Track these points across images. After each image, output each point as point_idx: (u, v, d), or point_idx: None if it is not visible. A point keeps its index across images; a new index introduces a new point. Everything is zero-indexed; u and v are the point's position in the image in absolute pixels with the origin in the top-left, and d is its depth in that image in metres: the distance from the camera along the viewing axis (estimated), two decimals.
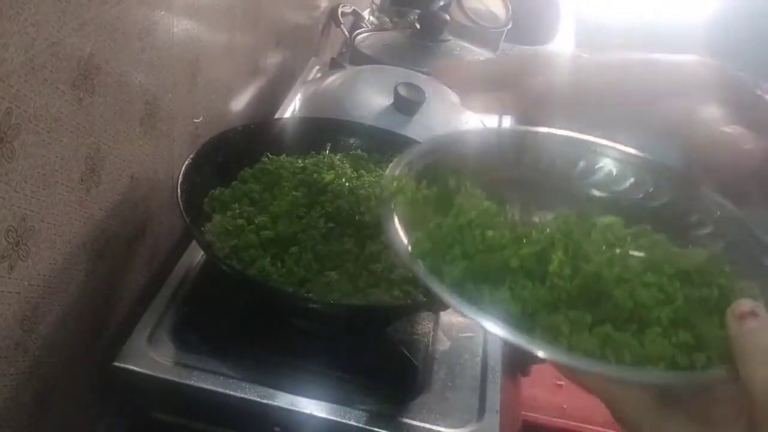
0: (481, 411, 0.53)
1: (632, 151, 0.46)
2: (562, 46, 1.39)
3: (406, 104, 0.74)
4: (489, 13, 1.24)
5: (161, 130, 0.61)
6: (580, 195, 0.45)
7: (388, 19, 1.25)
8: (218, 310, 0.58)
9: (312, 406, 0.51)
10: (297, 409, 0.51)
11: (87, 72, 0.46)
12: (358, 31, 1.06)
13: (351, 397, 0.52)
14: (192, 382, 0.51)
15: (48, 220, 0.45)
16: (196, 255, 0.64)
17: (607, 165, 0.46)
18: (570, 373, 0.33)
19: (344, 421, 0.51)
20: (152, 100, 0.57)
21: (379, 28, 1.18)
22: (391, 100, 0.75)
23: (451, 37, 1.02)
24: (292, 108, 0.88)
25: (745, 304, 0.30)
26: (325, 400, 0.52)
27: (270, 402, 0.51)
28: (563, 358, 0.30)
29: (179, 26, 0.60)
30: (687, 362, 0.31)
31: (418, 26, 1.01)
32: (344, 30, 1.14)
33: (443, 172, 0.43)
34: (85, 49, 0.45)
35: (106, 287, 0.57)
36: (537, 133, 0.48)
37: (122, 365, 0.52)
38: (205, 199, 0.59)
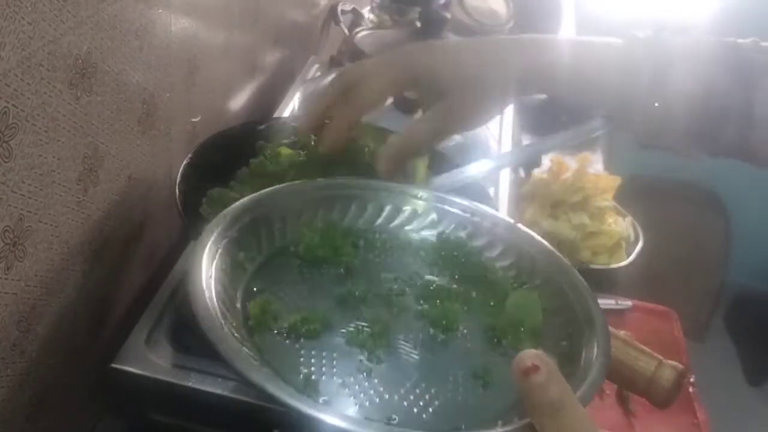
0: None
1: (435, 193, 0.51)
2: None
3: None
4: (490, 11, 1.23)
5: (159, 130, 0.60)
6: (408, 241, 0.49)
7: (388, 17, 1.25)
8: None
9: (311, 408, 0.51)
10: (296, 410, 0.51)
11: (84, 71, 0.45)
12: (357, 29, 1.05)
13: None
14: (190, 384, 0.51)
15: (45, 221, 0.45)
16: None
17: (412, 206, 0.51)
18: None
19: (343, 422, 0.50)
20: (150, 99, 0.57)
21: (379, 26, 1.18)
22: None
23: (451, 36, 1.02)
24: (291, 107, 0.88)
25: (527, 359, 0.31)
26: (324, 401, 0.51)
27: (269, 403, 0.51)
28: None
29: (177, 24, 0.60)
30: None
31: (418, 24, 1.01)
32: (344, 28, 1.13)
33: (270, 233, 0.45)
34: (82, 48, 0.45)
35: (103, 288, 0.57)
36: (348, 182, 0.51)
37: (120, 367, 0.52)
38: (204, 199, 0.58)
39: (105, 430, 0.60)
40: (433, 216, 0.50)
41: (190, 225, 0.55)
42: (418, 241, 0.49)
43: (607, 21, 1.72)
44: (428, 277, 0.46)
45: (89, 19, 0.45)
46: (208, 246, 0.40)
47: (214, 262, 0.39)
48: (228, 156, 0.62)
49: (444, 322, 0.41)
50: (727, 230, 1.95)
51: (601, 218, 0.87)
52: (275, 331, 0.38)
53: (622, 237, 0.87)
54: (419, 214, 0.50)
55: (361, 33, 1.04)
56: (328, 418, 0.31)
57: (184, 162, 0.57)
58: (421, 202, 0.50)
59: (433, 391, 0.36)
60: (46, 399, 0.51)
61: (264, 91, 0.91)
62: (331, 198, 0.49)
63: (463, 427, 0.35)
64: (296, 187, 0.49)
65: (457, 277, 0.45)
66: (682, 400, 0.72)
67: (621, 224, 0.89)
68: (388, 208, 0.50)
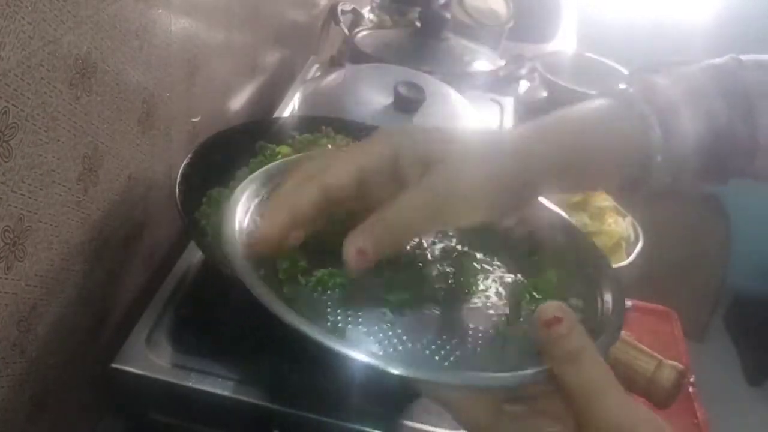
0: None
1: None
2: (563, 44, 1.39)
3: (406, 103, 0.74)
4: (490, 11, 1.23)
5: (159, 130, 0.60)
6: None
7: (388, 17, 1.25)
8: (217, 312, 0.57)
9: (312, 407, 0.51)
10: (295, 410, 0.51)
11: (84, 70, 0.45)
12: (357, 29, 1.06)
13: (351, 398, 0.52)
14: (190, 384, 0.51)
15: (45, 220, 0.45)
16: (194, 256, 0.63)
17: None
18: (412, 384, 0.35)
19: (344, 422, 0.50)
20: (150, 98, 0.57)
21: (379, 26, 1.18)
22: (391, 99, 0.75)
23: (451, 36, 1.02)
24: (291, 107, 0.88)
25: (549, 310, 0.32)
26: (325, 401, 0.51)
27: (268, 404, 0.51)
28: (409, 373, 0.32)
29: (177, 24, 0.60)
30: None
31: (418, 24, 1.01)
32: (344, 28, 1.13)
33: None
34: (82, 48, 0.45)
35: (103, 288, 0.57)
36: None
37: (120, 367, 0.52)
38: (203, 199, 0.58)
39: (105, 429, 0.60)
40: None
41: (190, 225, 0.55)
42: None
43: (606, 21, 1.72)
44: (449, 243, 0.46)
45: (89, 19, 0.45)
46: (241, 201, 0.41)
47: (247, 216, 0.40)
48: (228, 156, 0.62)
49: (464, 281, 0.42)
50: (727, 231, 1.95)
51: (601, 218, 0.87)
52: (304, 284, 0.39)
53: (622, 237, 0.87)
54: None
55: (361, 33, 1.04)
56: (358, 354, 0.32)
57: (184, 162, 0.58)
58: None
59: (453, 342, 0.37)
60: (47, 398, 0.51)
61: (264, 91, 0.91)
62: None
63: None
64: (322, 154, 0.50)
65: (476, 244, 0.46)
66: (682, 400, 0.72)
67: (621, 224, 0.89)
68: None
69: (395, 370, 0.32)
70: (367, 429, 0.50)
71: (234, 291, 0.57)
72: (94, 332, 0.57)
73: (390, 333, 0.37)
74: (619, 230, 0.88)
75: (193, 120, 0.68)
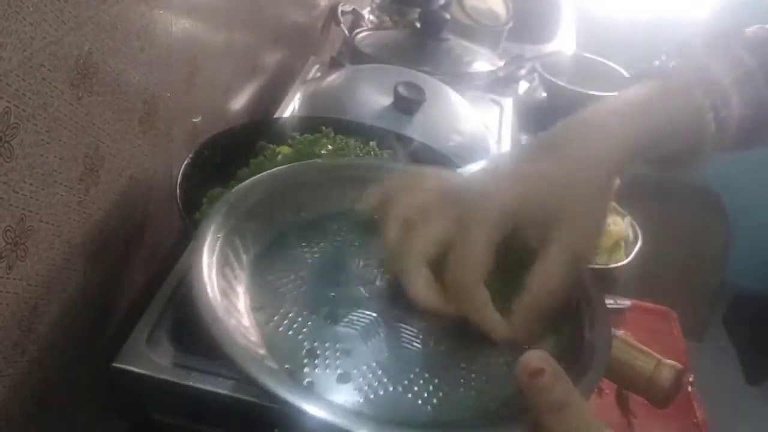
0: None
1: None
2: (563, 44, 1.39)
3: (406, 104, 0.74)
4: (490, 11, 1.23)
5: (160, 130, 0.60)
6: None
7: (388, 18, 1.25)
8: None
9: (312, 407, 0.51)
10: (296, 410, 0.51)
11: (85, 71, 0.45)
12: (357, 30, 1.06)
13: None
14: (191, 383, 0.51)
15: (47, 220, 0.45)
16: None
17: None
18: None
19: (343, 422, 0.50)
20: (151, 99, 0.57)
21: (379, 27, 1.18)
22: (391, 100, 0.75)
23: (451, 36, 1.02)
24: (291, 107, 0.88)
25: (532, 362, 0.31)
26: (324, 401, 0.51)
27: (269, 403, 0.51)
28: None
29: (178, 25, 0.60)
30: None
31: (418, 25, 1.01)
32: (344, 29, 1.13)
33: (263, 222, 0.44)
34: (83, 48, 0.45)
35: (104, 287, 0.57)
36: (350, 163, 0.50)
37: (121, 366, 0.52)
38: (204, 199, 0.59)
39: (106, 429, 0.60)
40: None
41: (190, 225, 0.55)
42: None
43: (606, 21, 1.72)
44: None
45: (90, 20, 0.45)
46: (208, 239, 0.39)
47: (215, 253, 0.39)
48: (228, 156, 0.62)
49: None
50: (726, 230, 1.95)
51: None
52: (279, 327, 0.38)
53: (621, 237, 0.87)
54: None
55: (361, 33, 1.04)
56: (331, 415, 0.31)
57: (185, 162, 0.58)
58: None
59: (436, 382, 0.37)
60: (48, 398, 0.51)
61: (264, 92, 0.92)
62: (332, 180, 0.48)
63: (466, 416, 0.36)
64: (295, 170, 0.48)
65: None
66: (681, 399, 0.72)
67: (620, 224, 0.89)
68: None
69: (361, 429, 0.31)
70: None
71: None
72: (95, 332, 0.57)
73: (370, 375, 0.36)
74: (618, 230, 0.88)
75: (194, 120, 0.68)
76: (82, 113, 0.46)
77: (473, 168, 0.42)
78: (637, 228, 0.91)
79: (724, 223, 1.96)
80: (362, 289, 0.41)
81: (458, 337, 0.40)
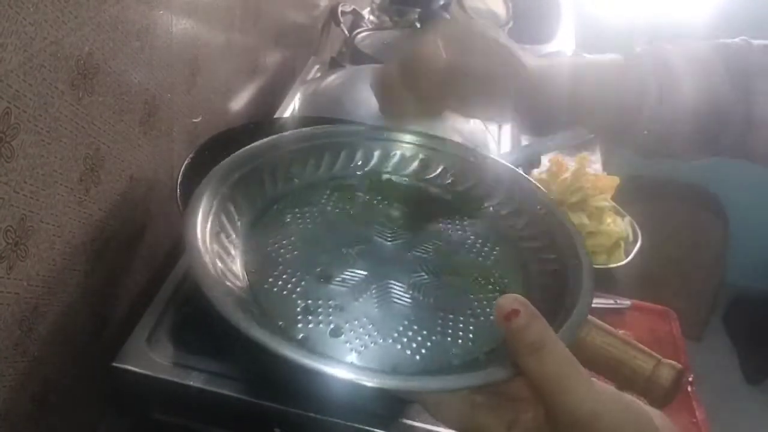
0: None
1: (429, 138, 0.51)
2: (562, 44, 1.39)
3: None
4: (489, 11, 1.23)
5: (160, 130, 0.61)
6: (385, 188, 0.50)
7: (388, 18, 1.25)
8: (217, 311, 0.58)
9: (312, 407, 0.51)
10: (296, 410, 0.51)
11: (86, 71, 0.46)
12: (357, 30, 1.06)
13: (350, 398, 0.52)
14: (191, 383, 0.51)
15: (47, 221, 0.45)
16: None
17: (401, 150, 0.51)
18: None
19: (344, 422, 0.51)
20: (151, 99, 0.57)
21: (379, 27, 1.18)
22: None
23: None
24: (291, 107, 0.88)
25: (507, 303, 0.32)
26: (325, 401, 0.51)
27: (269, 403, 0.51)
28: (370, 383, 0.32)
29: (178, 25, 0.60)
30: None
31: (418, 25, 1.01)
32: (344, 29, 1.13)
33: (256, 188, 0.46)
34: (83, 49, 0.45)
35: (105, 287, 0.57)
36: (329, 131, 0.52)
37: (121, 366, 0.52)
38: None
39: (107, 428, 0.60)
40: (422, 159, 0.51)
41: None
42: (408, 187, 0.50)
43: (606, 21, 1.72)
44: (419, 223, 0.47)
45: (91, 20, 0.45)
46: (202, 205, 0.41)
47: (209, 220, 0.41)
48: (229, 156, 0.62)
49: (434, 267, 0.43)
50: (725, 230, 1.96)
51: (599, 218, 0.88)
52: (273, 288, 0.39)
53: (620, 237, 0.88)
54: (408, 158, 0.51)
55: (362, 34, 1.04)
56: (327, 368, 0.32)
57: (186, 162, 0.58)
58: (409, 146, 0.51)
59: (424, 333, 0.38)
60: (48, 398, 0.51)
61: (265, 92, 0.92)
62: (320, 147, 0.50)
63: (454, 363, 0.37)
64: (284, 139, 0.49)
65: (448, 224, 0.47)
66: (680, 399, 0.72)
67: (620, 224, 0.90)
68: (377, 154, 0.51)
69: (366, 382, 0.32)
70: (367, 428, 0.51)
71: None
72: (96, 331, 0.57)
73: (361, 330, 0.37)
74: (617, 230, 0.88)
75: (195, 120, 0.68)
76: (83, 114, 0.46)
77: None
78: (637, 228, 0.91)
79: (723, 224, 1.96)
80: (352, 251, 0.43)
81: (446, 289, 0.41)
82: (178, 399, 0.52)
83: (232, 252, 0.41)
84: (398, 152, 0.51)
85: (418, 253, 0.44)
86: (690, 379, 0.77)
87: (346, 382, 0.32)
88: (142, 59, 0.54)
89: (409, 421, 0.52)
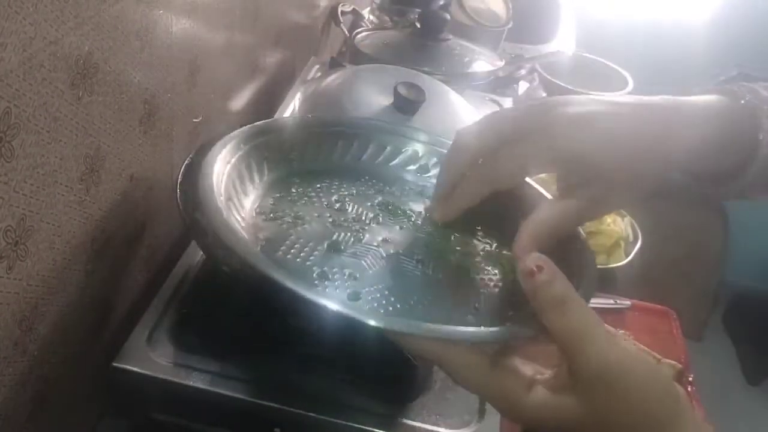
0: (482, 412, 0.53)
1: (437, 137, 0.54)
2: (562, 44, 1.39)
3: (406, 104, 0.74)
4: (489, 12, 1.23)
5: (160, 130, 0.61)
6: (393, 177, 0.52)
7: (388, 18, 1.25)
8: (218, 311, 0.58)
9: (312, 407, 0.51)
10: (296, 409, 0.51)
11: (86, 71, 0.46)
12: (357, 30, 1.06)
13: (350, 398, 0.52)
14: (191, 383, 0.51)
15: (47, 220, 0.45)
16: (195, 255, 0.64)
17: (413, 148, 0.54)
18: (406, 343, 0.35)
19: (344, 422, 0.51)
20: (151, 99, 0.57)
21: (379, 27, 1.18)
22: (391, 100, 0.75)
23: (451, 37, 1.02)
24: (291, 107, 0.88)
25: (530, 261, 0.34)
26: (325, 401, 0.51)
27: (269, 403, 0.51)
28: (399, 327, 0.33)
29: (178, 25, 0.60)
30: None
31: (418, 25, 1.01)
32: (344, 29, 1.13)
33: (274, 157, 0.49)
34: (83, 48, 0.45)
35: (105, 287, 0.57)
36: (345, 119, 0.55)
37: (121, 365, 0.52)
38: None
39: (106, 428, 0.60)
40: (434, 159, 0.54)
41: (191, 225, 0.55)
42: (417, 180, 0.53)
43: (606, 21, 1.72)
44: (423, 212, 0.49)
45: (90, 20, 0.45)
46: (222, 152, 0.43)
47: (227, 167, 0.43)
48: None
49: (440, 248, 0.44)
50: (725, 230, 1.95)
51: (599, 218, 0.88)
52: (287, 255, 0.40)
53: (620, 237, 0.88)
54: (420, 156, 0.54)
55: (361, 34, 1.04)
56: (357, 314, 0.33)
57: (186, 162, 0.58)
58: (420, 145, 0.53)
59: (440, 302, 0.39)
60: (48, 397, 0.51)
61: (265, 92, 0.92)
62: (335, 134, 0.52)
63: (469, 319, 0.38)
64: (301, 121, 0.52)
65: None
66: None
67: (620, 224, 0.90)
68: (389, 149, 0.54)
69: (382, 324, 0.32)
70: (367, 428, 0.51)
71: (236, 289, 0.57)
72: (96, 331, 0.57)
73: (378, 295, 0.38)
74: (617, 230, 0.88)
75: (195, 120, 0.68)
76: (83, 113, 0.46)
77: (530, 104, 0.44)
78: (637, 228, 0.91)
79: (723, 223, 1.96)
80: (362, 228, 0.44)
81: (454, 268, 0.43)
82: (178, 399, 0.52)
83: (243, 202, 0.43)
84: (410, 149, 0.54)
85: (427, 236, 0.45)
86: (690, 379, 0.77)
87: (376, 328, 0.32)
88: (142, 59, 0.54)
89: (409, 421, 0.52)
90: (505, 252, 0.45)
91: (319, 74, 1.00)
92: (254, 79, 0.88)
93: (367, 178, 0.51)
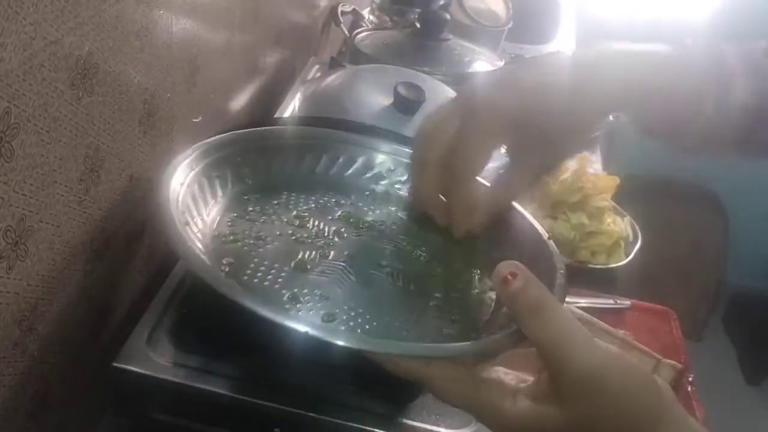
0: None
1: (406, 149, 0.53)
2: (562, 44, 1.39)
3: (406, 104, 0.74)
4: (489, 12, 1.23)
5: (160, 130, 0.61)
6: (350, 188, 0.51)
7: (388, 18, 1.25)
8: (217, 311, 0.58)
9: (311, 407, 0.51)
10: (296, 409, 0.51)
11: (86, 71, 0.46)
12: (357, 30, 1.06)
13: (350, 398, 0.52)
14: (191, 383, 0.51)
15: (47, 220, 0.45)
16: None
17: (368, 156, 0.53)
18: (387, 363, 0.35)
19: (344, 422, 0.51)
20: (151, 99, 0.57)
21: (379, 27, 1.18)
22: (391, 100, 0.75)
23: (451, 37, 1.02)
24: (291, 107, 0.88)
25: (504, 268, 0.34)
26: (325, 401, 0.51)
27: (269, 403, 0.51)
28: (378, 348, 0.33)
29: (178, 25, 0.60)
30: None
31: (418, 25, 1.01)
32: (344, 29, 1.13)
33: (225, 175, 0.48)
34: (83, 48, 0.45)
35: (105, 287, 0.57)
36: (298, 130, 0.54)
37: (121, 366, 0.52)
38: None
39: (106, 428, 0.60)
40: (389, 166, 0.53)
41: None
42: (383, 192, 0.52)
43: (606, 21, 1.72)
44: (390, 219, 0.48)
45: (90, 20, 0.45)
46: (179, 167, 0.43)
47: (185, 181, 0.42)
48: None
49: (411, 258, 0.44)
50: (725, 230, 1.96)
51: (599, 218, 0.88)
52: (254, 279, 0.40)
53: (620, 237, 0.88)
54: (375, 164, 0.53)
55: (361, 34, 1.04)
56: (334, 338, 0.32)
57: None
58: (375, 153, 0.53)
59: (414, 317, 0.39)
60: (48, 398, 0.51)
61: (264, 92, 0.92)
62: (286, 147, 0.51)
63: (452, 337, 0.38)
64: (251, 135, 0.51)
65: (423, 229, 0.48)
66: (680, 399, 0.72)
67: (620, 224, 0.90)
68: (342, 159, 0.53)
69: (360, 346, 0.32)
70: (367, 428, 0.51)
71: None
72: (96, 331, 0.57)
73: (352, 314, 0.37)
74: (617, 230, 0.88)
75: (194, 120, 0.68)
76: (83, 113, 0.46)
77: (481, 76, 0.45)
78: (637, 228, 0.91)
79: (723, 223, 1.96)
80: (326, 243, 0.43)
81: (425, 277, 0.42)
82: (178, 399, 0.52)
83: (199, 239, 0.41)
84: (381, 162, 0.53)
85: (393, 246, 0.44)
86: (690, 379, 0.77)
87: (353, 351, 0.31)
88: (142, 59, 0.54)
89: (409, 421, 0.52)
90: (478, 262, 0.44)
91: (319, 74, 1.00)
92: (254, 79, 0.88)
93: (324, 190, 0.50)
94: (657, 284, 1.11)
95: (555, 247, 0.43)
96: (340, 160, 0.52)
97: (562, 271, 0.40)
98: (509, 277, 0.33)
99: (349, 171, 0.53)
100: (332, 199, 0.49)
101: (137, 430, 0.57)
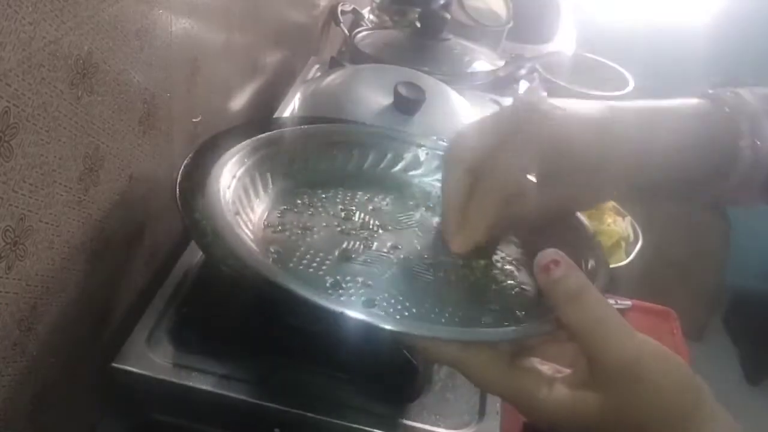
0: (482, 412, 0.53)
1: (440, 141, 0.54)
2: (562, 44, 1.39)
3: (406, 104, 0.74)
4: (490, 11, 1.23)
5: (160, 130, 0.60)
6: (396, 183, 0.53)
7: (388, 18, 1.25)
8: (217, 311, 0.58)
9: (312, 407, 0.51)
10: (296, 409, 0.51)
11: (85, 71, 0.45)
12: (357, 29, 1.06)
13: (350, 398, 0.52)
14: (191, 383, 0.51)
15: (46, 220, 0.45)
16: (195, 255, 0.64)
17: (414, 153, 0.54)
18: (423, 347, 0.35)
19: (344, 422, 0.51)
20: (151, 99, 0.57)
21: (379, 26, 1.18)
22: (391, 100, 0.75)
23: (451, 36, 1.02)
24: (291, 107, 0.88)
25: (546, 256, 0.34)
26: (325, 401, 0.51)
27: (269, 403, 0.51)
28: (417, 331, 0.33)
29: (178, 25, 0.60)
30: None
31: (418, 25, 1.01)
32: (344, 29, 1.13)
33: (277, 170, 0.49)
34: (83, 48, 0.45)
35: (104, 287, 0.57)
36: (345, 127, 0.55)
37: (121, 366, 0.52)
38: None
39: (106, 428, 0.60)
40: (435, 162, 0.54)
41: (191, 225, 0.55)
42: (417, 186, 0.53)
43: (605, 22, 1.72)
44: (431, 213, 0.49)
45: (90, 20, 0.45)
46: (228, 165, 0.44)
47: (233, 181, 0.44)
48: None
49: (450, 252, 0.43)
50: (726, 230, 1.95)
51: (600, 218, 0.88)
52: (299, 267, 0.41)
53: (621, 237, 0.88)
54: (422, 161, 0.54)
55: (361, 33, 1.04)
56: (375, 320, 0.33)
57: (185, 162, 0.58)
58: (421, 149, 0.53)
59: (454, 305, 0.39)
60: (47, 398, 0.51)
61: (264, 91, 0.92)
62: (335, 144, 0.53)
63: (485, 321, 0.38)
64: (302, 132, 0.53)
65: None
66: None
67: (620, 224, 0.89)
68: (389, 155, 0.54)
69: (401, 329, 0.32)
70: (367, 428, 0.51)
71: (236, 290, 0.57)
72: (95, 332, 0.57)
73: (393, 301, 0.38)
74: (618, 230, 0.88)
75: (194, 120, 0.68)
76: (82, 113, 0.46)
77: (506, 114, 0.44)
78: (638, 228, 0.91)
79: (724, 223, 1.96)
80: (370, 235, 0.45)
81: (465, 269, 0.43)
82: (178, 399, 0.52)
83: (256, 209, 0.43)
84: (410, 155, 0.54)
85: (435, 239, 0.45)
86: None
87: (394, 333, 0.32)
88: (142, 59, 0.54)
89: (409, 422, 0.52)
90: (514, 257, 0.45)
91: (319, 74, 1.00)
92: (254, 79, 0.88)
93: (370, 185, 0.52)
94: (658, 284, 1.10)
95: (599, 243, 0.44)
96: (388, 156, 0.54)
97: (605, 267, 0.40)
98: (551, 265, 0.33)
99: (397, 167, 0.54)
100: (379, 194, 0.51)
101: (137, 430, 0.57)
